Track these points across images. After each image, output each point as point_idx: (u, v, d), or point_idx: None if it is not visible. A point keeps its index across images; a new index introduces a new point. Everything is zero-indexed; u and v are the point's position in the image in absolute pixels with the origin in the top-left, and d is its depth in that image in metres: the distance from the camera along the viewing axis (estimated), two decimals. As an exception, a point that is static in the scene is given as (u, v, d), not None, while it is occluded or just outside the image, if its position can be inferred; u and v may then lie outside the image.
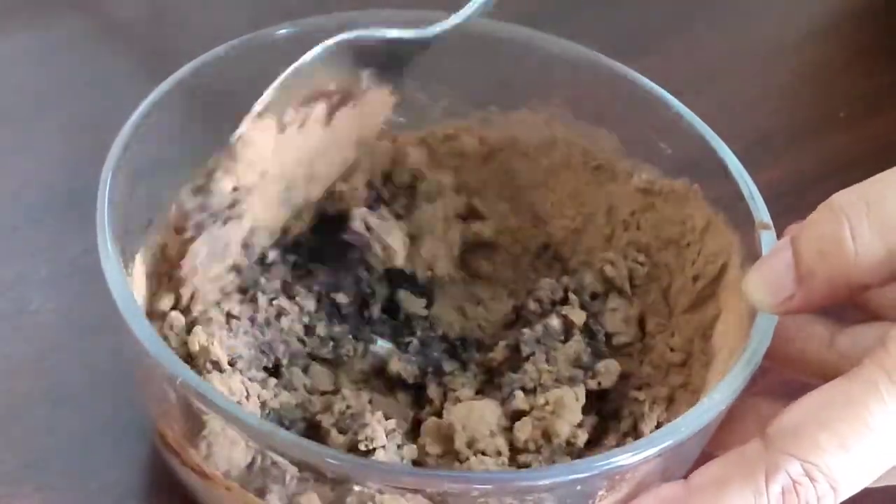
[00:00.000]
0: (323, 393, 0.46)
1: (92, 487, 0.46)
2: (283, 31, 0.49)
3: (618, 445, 0.43)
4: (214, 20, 0.66)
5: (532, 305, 0.48)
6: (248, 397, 0.43)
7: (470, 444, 0.42)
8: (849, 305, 0.42)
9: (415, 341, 0.48)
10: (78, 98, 0.61)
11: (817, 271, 0.38)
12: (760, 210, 0.45)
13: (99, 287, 0.45)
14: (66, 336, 0.51)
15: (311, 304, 0.48)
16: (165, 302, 0.45)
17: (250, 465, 0.39)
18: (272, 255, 0.47)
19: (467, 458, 0.42)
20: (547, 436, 0.43)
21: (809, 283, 0.38)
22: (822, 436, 0.35)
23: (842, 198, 0.38)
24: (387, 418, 0.43)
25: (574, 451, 0.43)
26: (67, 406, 0.49)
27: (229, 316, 0.46)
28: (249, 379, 0.44)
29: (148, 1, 0.67)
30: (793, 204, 0.47)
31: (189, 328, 0.44)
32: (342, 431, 0.43)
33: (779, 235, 0.44)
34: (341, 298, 0.48)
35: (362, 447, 0.42)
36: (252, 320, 0.46)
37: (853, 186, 0.38)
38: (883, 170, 0.40)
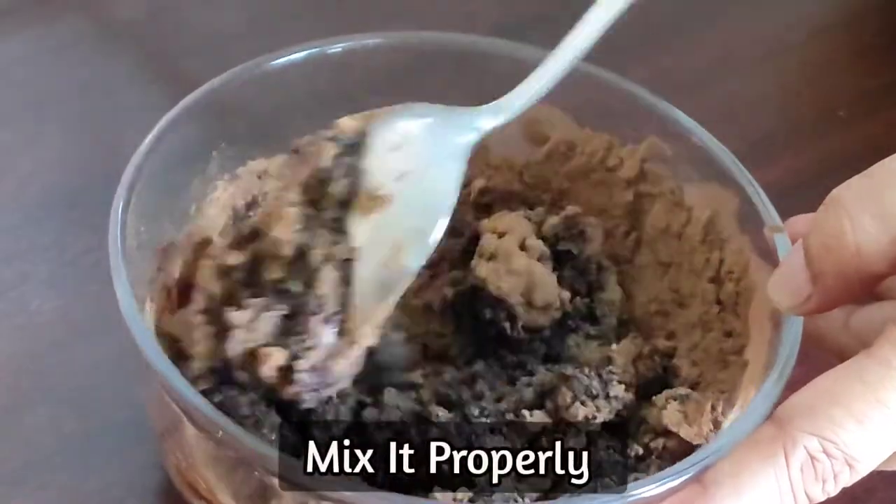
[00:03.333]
0: None
1: (92, 487, 0.46)
2: (301, 54, 0.49)
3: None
4: (214, 20, 0.66)
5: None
6: None
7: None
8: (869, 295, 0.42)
9: None
10: (78, 98, 0.61)
11: (826, 267, 0.38)
12: (770, 213, 0.45)
13: (99, 287, 0.45)
14: (66, 336, 0.51)
15: None
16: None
17: None
18: None
19: None
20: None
21: (822, 281, 0.38)
22: (837, 412, 0.35)
23: (841, 191, 0.38)
24: None
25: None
26: (67, 406, 0.49)
27: None
28: None
29: (148, 1, 0.67)
30: (793, 204, 0.47)
31: None
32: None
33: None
34: None
35: None
36: None
37: (852, 178, 0.38)
38: (882, 169, 0.40)
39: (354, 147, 0.42)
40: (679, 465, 0.38)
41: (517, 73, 0.50)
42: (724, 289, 0.47)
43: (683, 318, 0.48)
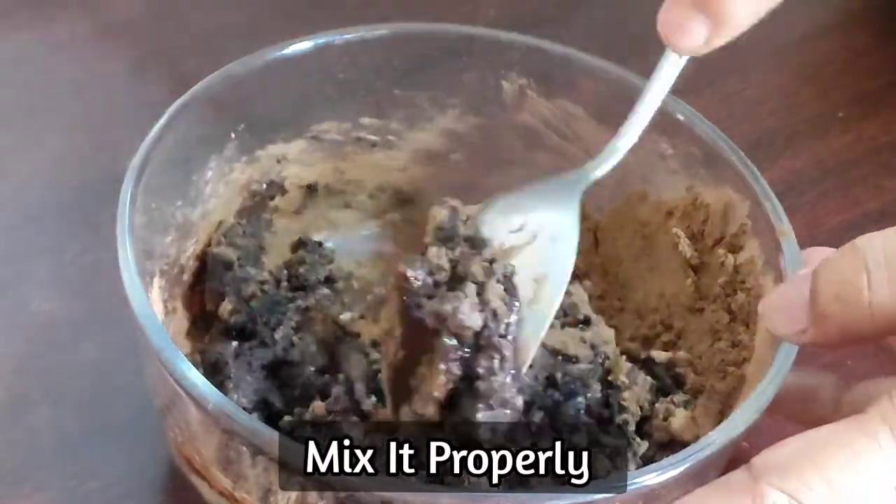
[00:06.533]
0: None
1: (92, 487, 0.46)
2: (299, 46, 0.49)
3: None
4: (213, 20, 0.67)
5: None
6: None
7: None
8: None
9: None
10: (78, 98, 0.61)
11: (831, 315, 0.38)
12: (781, 217, 0.45)
13: (98, 287, 0.45)
14: (66, 336, 0.51)
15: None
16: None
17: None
18: None
19: None
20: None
21: (823, 323, 0.38)
22: (812, 475, 0.35)
23: (866, 243, 0.37)
24: None
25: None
26: (67, 406, 0.49)
27: None
28: None
29: (147, 1, 0.67)
30: (793, 204, 0.47)
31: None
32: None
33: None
34: None
35: None
36: None
37: (878, 233, 0.37)
38: (881, 169, 0.40)
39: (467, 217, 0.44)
40: (675, 457, 0.38)
41: (541, 68, 0.51)
42: (736, 298, 0.47)
43: (696, 324, 0.48)
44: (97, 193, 0.54)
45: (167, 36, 0.65)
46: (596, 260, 0.52)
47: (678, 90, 0.50)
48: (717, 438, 0.38)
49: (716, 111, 0.50)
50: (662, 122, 0.49)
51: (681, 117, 0.49)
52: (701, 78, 0.66)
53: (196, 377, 0.38)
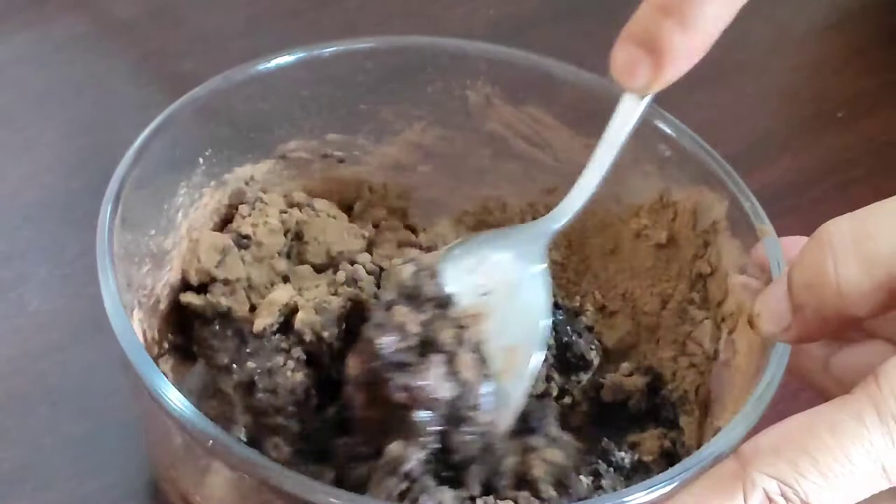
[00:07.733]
0: None
1: (92, 487, 0.47)
2: (261, 66, 0.48)
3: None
4: (213, 20, 0.67)
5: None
6: None
7: None
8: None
9: None
10: (78, 98, 0.61)
11: (806, 303, 0.38)
12: (760, 215, 0.45)
13: (97, 288, 0.45)
14: (66, 337, 0.51)
15: None
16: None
17: None
18: None
19: None
20: None
21: (801, 315, 0.38)
22: (802, 460, 0.35)
23: (830, 228, 0.37)
24: None
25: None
26: (67, 406, 0.49)
27: None
28: None
29: (147, 1, 0.67)
30: (792, 204, 0.47)
31: None
32: None
33: (780, 235, 0.44)
34: None
35: None
36: None
37: (843, 217, 0.38)
38: (881, 169, 0.40)
39: (432, 272, 0.42)
40: (666, 473, 0.37)
41: (507, 77, 0.50)
42: (713, 299, 0.46)
43: (669, 320, 0.48)
44: (97, 193, 0.54)
45: (167, 36, 0.65)
46: (569, 262, 0.52)
47: (677, 90, 0.50)
48: (713, 450, 0.38)
49: (715, 111, 0.50)
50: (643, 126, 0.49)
51: (653, 119, 0.48)
52: (700, 78, 0.66)
53: (198, 418, 0.37)
